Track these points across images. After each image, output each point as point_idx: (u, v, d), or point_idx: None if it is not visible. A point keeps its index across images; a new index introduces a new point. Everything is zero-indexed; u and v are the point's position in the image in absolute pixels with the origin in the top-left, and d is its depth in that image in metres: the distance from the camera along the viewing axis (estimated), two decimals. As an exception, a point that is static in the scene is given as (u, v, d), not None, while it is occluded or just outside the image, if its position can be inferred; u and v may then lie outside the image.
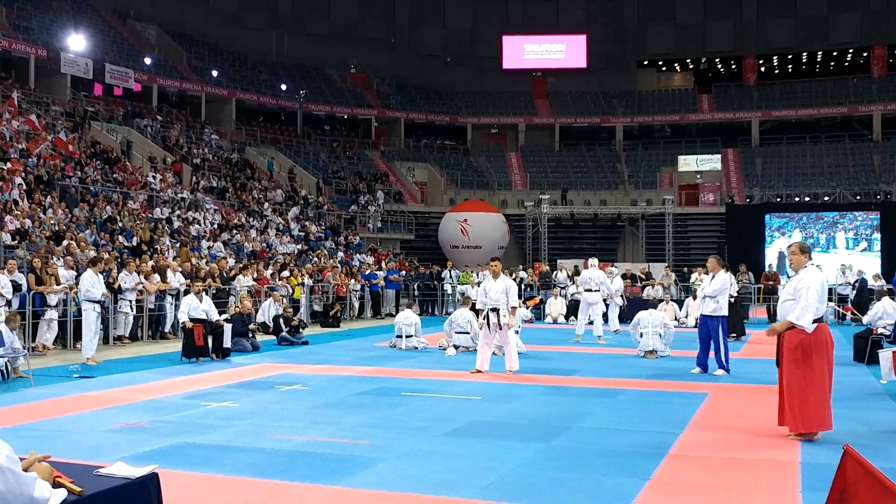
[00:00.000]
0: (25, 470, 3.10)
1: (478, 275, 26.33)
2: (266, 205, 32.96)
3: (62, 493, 3.25)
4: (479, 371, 12.08)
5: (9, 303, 13.90)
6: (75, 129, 30.32)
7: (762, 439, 7.61)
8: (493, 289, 12.16)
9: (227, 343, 14.20)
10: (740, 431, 7.97)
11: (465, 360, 13.47)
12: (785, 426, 7.66)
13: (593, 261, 18.59)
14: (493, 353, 12.89)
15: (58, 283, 15.13)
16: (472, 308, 14.72)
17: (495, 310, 12.04)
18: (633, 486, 6.02)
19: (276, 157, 41.16)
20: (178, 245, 22.62)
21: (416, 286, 26.98)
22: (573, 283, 24.60)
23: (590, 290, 17.53)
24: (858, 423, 8.37)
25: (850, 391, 10.32)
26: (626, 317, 19.08)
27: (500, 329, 12.10)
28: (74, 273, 15.67)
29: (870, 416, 8.76)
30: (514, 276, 26.90)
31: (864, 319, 14.00)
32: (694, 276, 22.44)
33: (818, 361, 7.45)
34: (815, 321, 7.50)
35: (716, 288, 12.07)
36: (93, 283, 13.28)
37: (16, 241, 17.82)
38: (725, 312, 12.39)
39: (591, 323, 17.58)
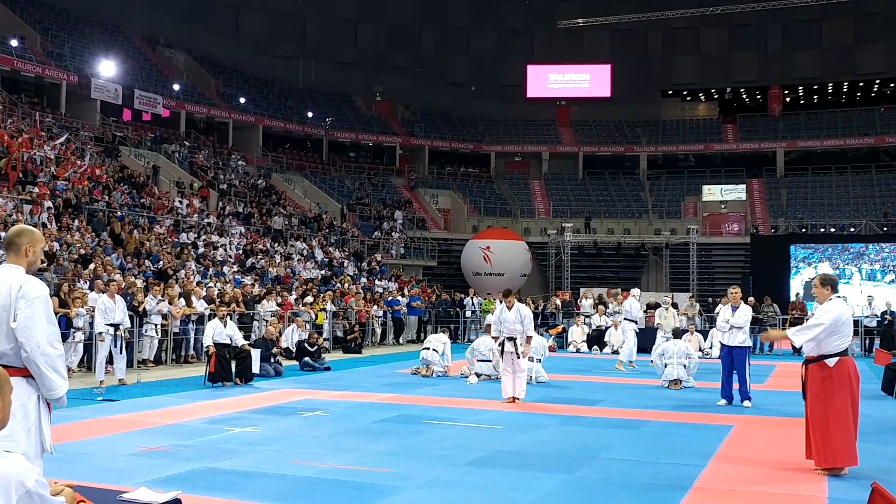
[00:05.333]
0: (52, 495, 3.12)
1: (500, 302, 26.29)
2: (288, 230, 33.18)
3: (87, 518, 3.26)
4: (512, 399, 11.95)
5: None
6: (107, 154, 30.76)
7: (788, 473, 7.50)
8: (508, 319, 12.24)
9: (256, 369, 14.30)
10: (766, 465, 7.86)
11: (487, 389, 13.43)
12: (812, 459, 7.56)
13: (636, 291, 19.14)
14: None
15: (84, 307, 15.28)
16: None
17: (512, 339, 12.12)
18: (657, 519, 5.95)
19: (301, 184, 41.46)
20: (202, 269, 22.82)
21: (436, 312, 26.93)
22: (597, 311, 24.57)
23: (629, 320, 17.98)
24: (887, 458, 8.23)
25: (878, 425, 10.14)
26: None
27: (517, 358, 12.12)
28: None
29: (898, 452, 8.61)
30: (546, 305, 27.14)
31: None
32: (718, 308, 22.31)
33: (841, 396, 7.35)
34: (838, 355, 7.42)
35: (744, 319, 11.97)
36: (106, 309, 13.41)
37: (44, 264, 18.03)
38: (750, 343, 12.30)
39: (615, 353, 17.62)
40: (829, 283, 7.82)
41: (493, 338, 13.01)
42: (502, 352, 12.27)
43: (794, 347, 22.56)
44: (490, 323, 17.98)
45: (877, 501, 3.56)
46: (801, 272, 36.75)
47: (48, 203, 21.82)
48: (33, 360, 4.19)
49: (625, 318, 18.04)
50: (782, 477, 7.38)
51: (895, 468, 7.77)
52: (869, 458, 7.84)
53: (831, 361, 7.42)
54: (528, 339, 12.33)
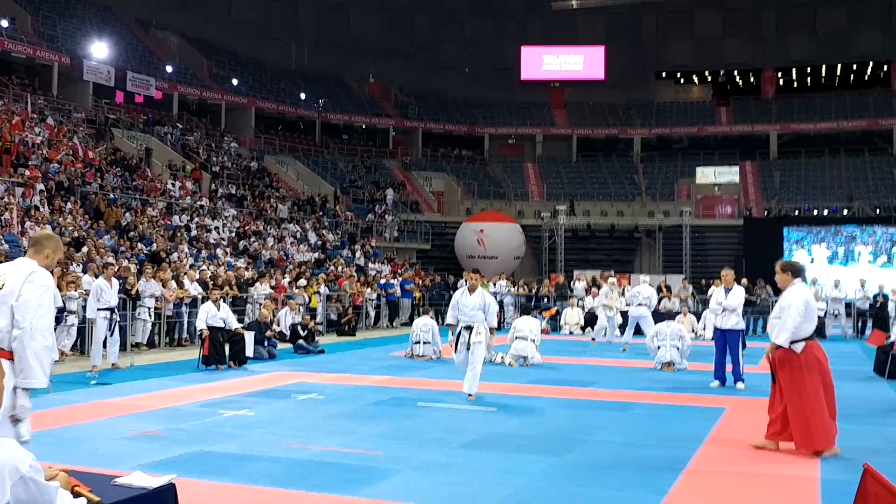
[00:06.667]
0: (47, 480, 3.12)
1: (493, 284, 26.32)
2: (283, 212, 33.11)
3: (81, 503, 3.27)
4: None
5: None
6: (99, 136, 30.58)
7: (781, 455, 7.54)
8: (468, 304, 10.74)
9: (250, 352, 14.32)
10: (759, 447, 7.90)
11: (482, 371, 13.42)
12: (772, 439, 7.67)
13: (645, 277, 19.64)
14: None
15: (77, 290, 15.24)
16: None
17: (469, 328, 10.67)
18: (650, 501, 5.98)
19: (294, 166, 41.30)
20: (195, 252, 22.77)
21: (429, 295, 26.91)
22: (590, 293, 24.61)
23: (638, 305, 18.24)
24: (879, 439, 8.28)
25: (870, 407, 10.21)
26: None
27: (469, 349, 10.63)
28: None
29: (891, 433, 8.66)
30: (539, 287, 27.20)
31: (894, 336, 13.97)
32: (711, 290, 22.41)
33: (810, 380, 7.42)
34: (805, 339, 7.45)
35: (737, 301, 12.00)
36: (102, 292, 13.37)
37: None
38: (743, 326, 12.35)
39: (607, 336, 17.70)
40: (790, 269, 7.88)
41: (447, 325, 11.31)
42: (457, 343, 10.73)
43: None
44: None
45: (868, 483, 3.58)
46: (795, 254, 36.86)
47: (40, 185, 21.71)
48: (23, 339, 4.28)
49: (639, 304, 18.13)
50: (775, 458, 7.42)
51: (887, 449, 7.81)
52: (861, 439, 7.89)
53: (798, 347, 7.47)
54: (492, 330, 11.04)
